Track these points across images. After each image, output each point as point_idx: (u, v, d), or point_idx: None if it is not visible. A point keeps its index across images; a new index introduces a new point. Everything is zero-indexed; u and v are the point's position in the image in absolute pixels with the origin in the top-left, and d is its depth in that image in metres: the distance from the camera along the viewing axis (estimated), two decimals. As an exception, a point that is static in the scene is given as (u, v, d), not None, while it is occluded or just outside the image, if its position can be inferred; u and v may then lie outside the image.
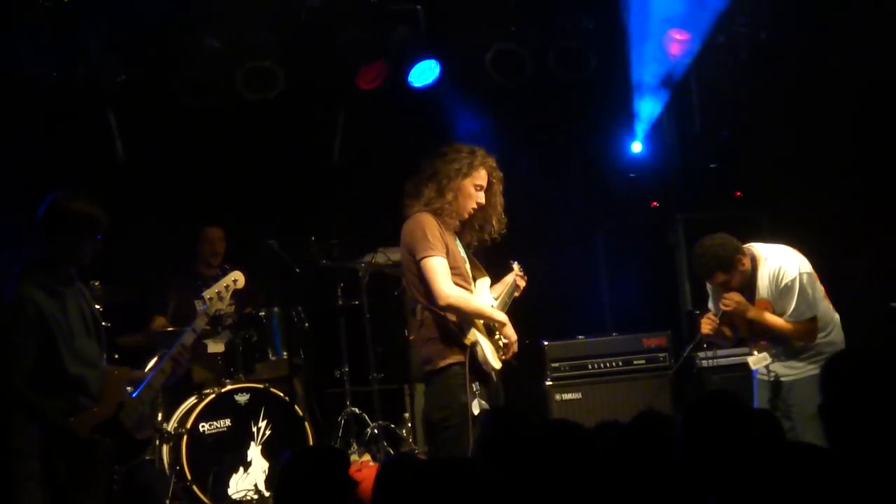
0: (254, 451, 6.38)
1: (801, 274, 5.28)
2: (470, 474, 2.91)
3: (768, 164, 7.85)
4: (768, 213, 7.96)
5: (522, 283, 5.39)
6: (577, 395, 7.01)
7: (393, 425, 7.09)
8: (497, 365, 4.96)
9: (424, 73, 7.52)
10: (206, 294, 4.90)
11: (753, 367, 5.47)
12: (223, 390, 6.42)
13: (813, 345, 5.32)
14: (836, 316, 5.43)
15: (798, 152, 7.63)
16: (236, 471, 6.31)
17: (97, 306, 4.69)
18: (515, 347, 5.04)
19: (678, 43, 7.50)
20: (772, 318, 5.31)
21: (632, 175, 8.23)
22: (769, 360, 5.38)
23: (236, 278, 5.05)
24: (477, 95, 7.54)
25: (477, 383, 4.83)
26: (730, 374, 6.52)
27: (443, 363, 4.84)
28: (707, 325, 5.40)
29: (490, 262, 5.31)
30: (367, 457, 6.72)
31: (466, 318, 4.88)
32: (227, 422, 6.37)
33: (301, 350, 6.95)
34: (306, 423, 6.49)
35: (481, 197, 5.04)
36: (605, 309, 8.44)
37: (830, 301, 5.44)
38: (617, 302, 8.33)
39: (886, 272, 7.19)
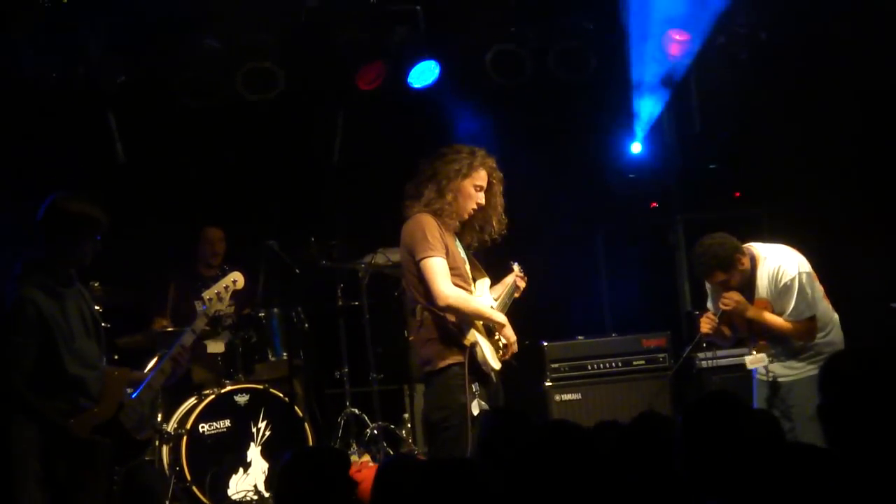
0: (253, 452, 6.38)
1: (800, 273, 5.28)
2: (469, 475, 2.91)
3: (768, 164, 7.84)
4: (768, 213, 7.97)
5: (522, 284, 5.37)
6: (577, 396, 7.00)
7: (393, 426, 7.09)
8: (496, 365, 4.95)
9: (424, 73, 7.50)
10: (206, 295, 4.91)
11: (750, 366, 5.47)
12: (223, 391, 6.41)
13: (812, 345, 5.32)
14: (836, 316, 5.43)
15: (798, 152, 7.62)
16: (236, 471, 6.30)
17: (97, 307, 4.69)
18: (515, 348, 5.03)
19: (678, 43, 7.49)
20: (771, 318, 5.31)
21: (632, 175, 8.21)
22: (766, 360, 5.37)
23: (236, 279, 5.06)
24: (477, 96, 7.53)
25: (476, 384, 4.82)
26: (729, 374, 6.53)
27: (442, 364, 4.83)
28: (706, 325, 5.40)
29: (490, 262, 5.30)
30: (366, 457, 6.71)
31: (466, 319, 4.87)
32: (227, 422, 6.36)
33: (301, 351, 6.95)
34: (306, 424, 6.49)
35: (481, 197, 5.03)
36: (605, 309, 8.44)
37: (830, 301, 5.44)
38: (616, 302, 8.32)
39: (886, 272, 7.19)
